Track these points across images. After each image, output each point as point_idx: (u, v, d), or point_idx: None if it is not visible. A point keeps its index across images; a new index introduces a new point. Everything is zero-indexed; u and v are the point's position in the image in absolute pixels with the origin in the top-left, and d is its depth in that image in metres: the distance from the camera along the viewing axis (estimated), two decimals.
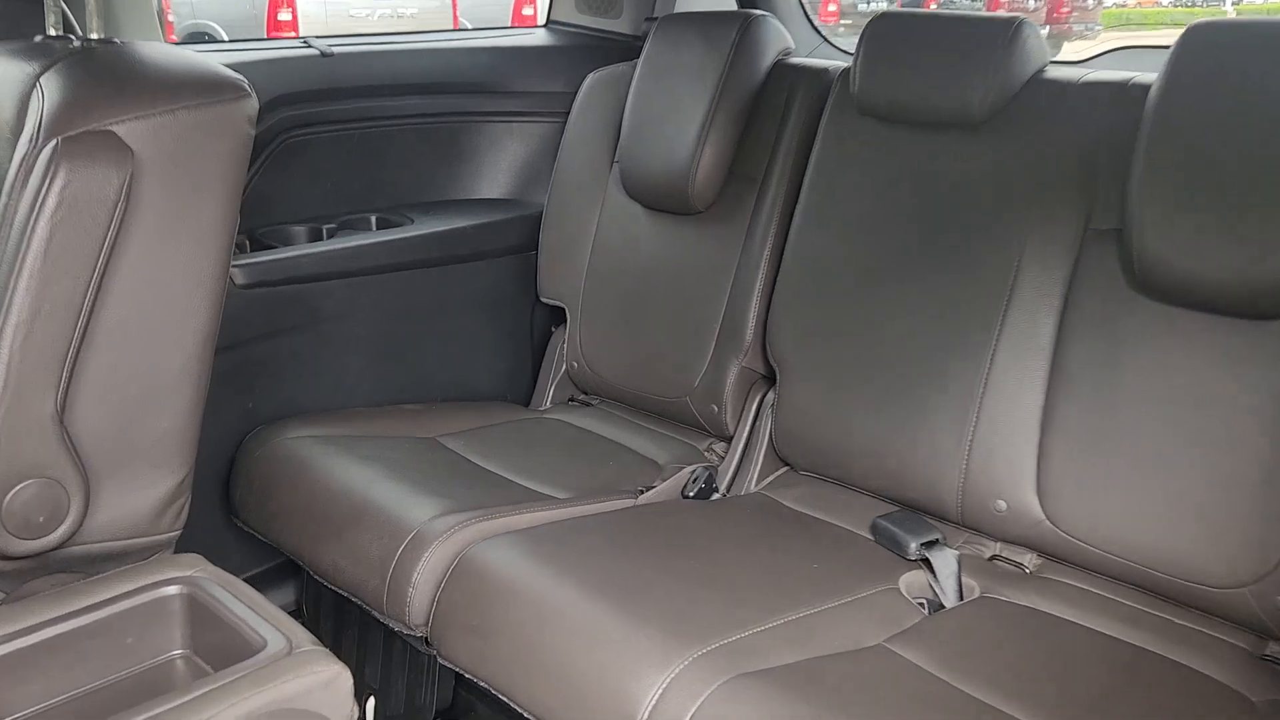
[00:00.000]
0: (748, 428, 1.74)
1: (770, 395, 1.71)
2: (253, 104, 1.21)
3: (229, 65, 1.61)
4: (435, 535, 1.38)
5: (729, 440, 1.77)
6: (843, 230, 1.60)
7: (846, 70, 1.65)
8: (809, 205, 1.65)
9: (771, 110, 1.76)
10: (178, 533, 1.32)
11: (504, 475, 1.65)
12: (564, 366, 2.02)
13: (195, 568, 1.21)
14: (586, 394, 2.02)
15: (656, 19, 1.96)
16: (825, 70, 1.73)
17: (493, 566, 1.32)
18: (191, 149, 1.14)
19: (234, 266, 1.67)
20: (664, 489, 1.63)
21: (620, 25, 2.15)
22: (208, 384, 1.28)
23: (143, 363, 1.20)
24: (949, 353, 1.47)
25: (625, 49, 2.12)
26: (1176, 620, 1.30)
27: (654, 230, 1.87)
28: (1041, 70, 1.49)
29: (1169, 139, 1.28)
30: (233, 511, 1.68)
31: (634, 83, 1.87)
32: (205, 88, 1.17)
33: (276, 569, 1.77)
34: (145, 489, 1.25)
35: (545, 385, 2.04)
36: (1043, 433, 1.39)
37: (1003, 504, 1.42)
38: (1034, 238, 1.42)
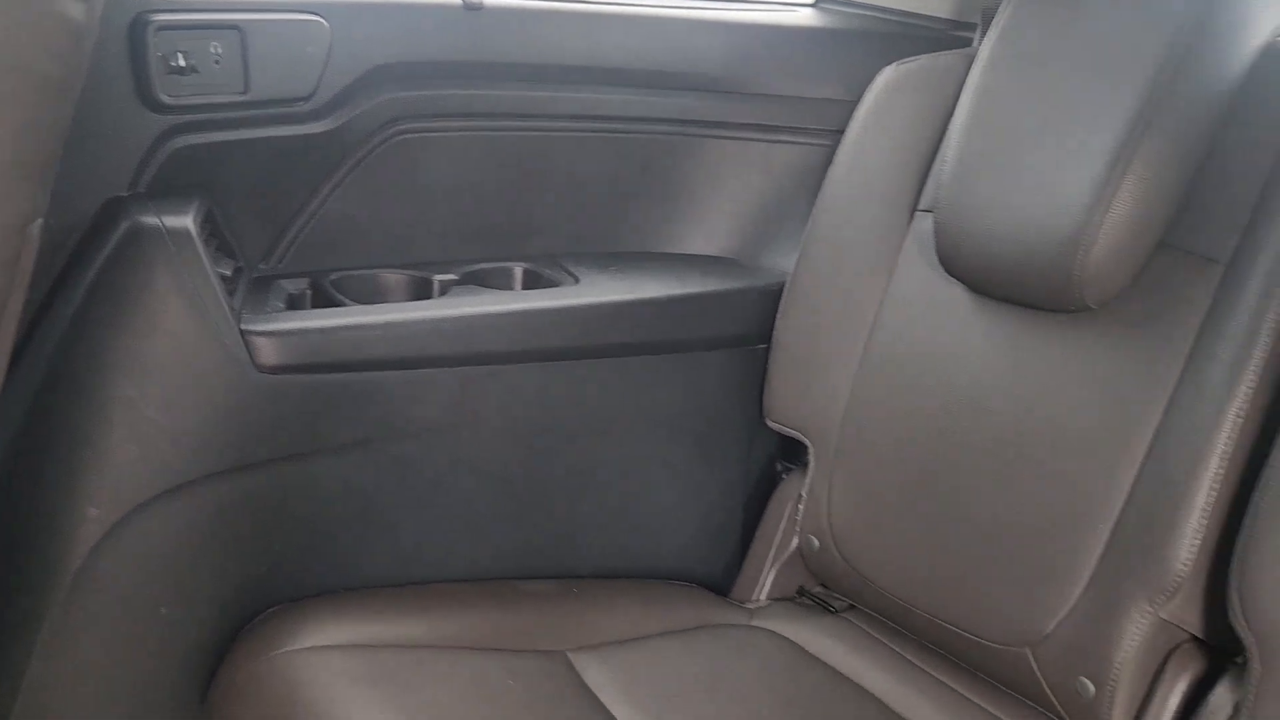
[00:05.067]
0: None
1: (1221, 688, 0.86)
2: None
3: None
4: None
5: None
6: None
7: None
8: None
9: (1257, 133, 0.92)
10: None
11: None
12: (795, 540, 1.22)
13: None
14: (828, 588, 1.22)
15: None
16: None
17: None
18: None
19: (258, 334, 0.98)
20: None
21: (937, 4, 1.36)
22: None
23: None
24: None
25: (937, 41, 1.34)
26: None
27: (989, 333, 1.05)
28: None
29: None
30: None
31: (973, 78, 1.08)
32: None
33: None
34: None
35: (761, 565, 1.24)
36: None
37: None
38: None
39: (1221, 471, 0.86)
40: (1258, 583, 0.81)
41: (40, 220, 0.45)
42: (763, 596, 1.24)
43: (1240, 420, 0.86)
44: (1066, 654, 0.93)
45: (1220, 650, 0.89)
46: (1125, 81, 0.94)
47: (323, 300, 1.12)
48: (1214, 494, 0.86)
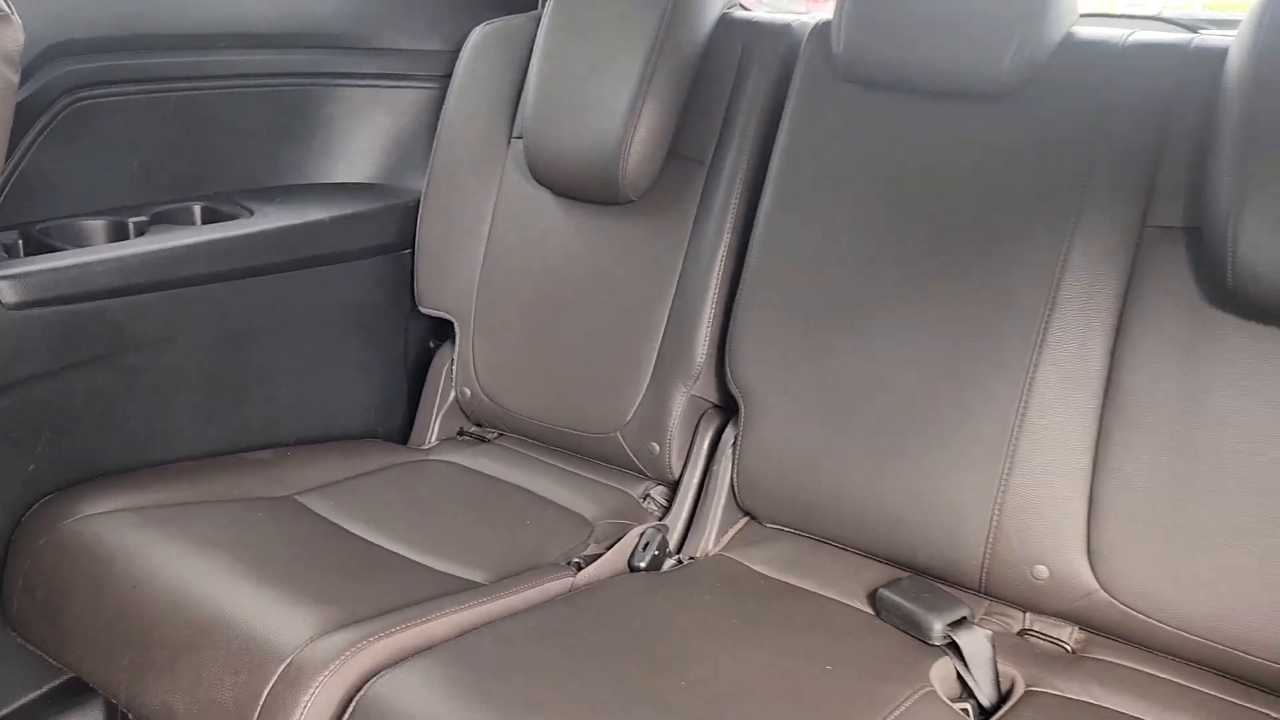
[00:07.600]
0: (699, 471, 1.40)
1: (728, 431, 1.38)
2: (13, 34, 0.76)
3: None
4: (319, 666, 0.97)
5: (672, 485, 1.43)
6: (828, 226, 1.27)
7: (821, 26, 1.32)
8: (780, 193, 1.31)
9: (719, 76, 1.41)
10: None
11: (395, 550, 1.25)
12: (452, 393, 1.62)
13: None
14: (481, 426, 1.63)
15: None
16: (788, 27, 1.39)
17: (410, 713, 0.93)
18: None
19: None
20: (608, 560, 1.27)
21: None
22: None
23: None
24: (970, 379, 1.17)
25: (512, 5, 1.73)
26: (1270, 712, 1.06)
27: (569, 224, 1.49)
28: (1074, 28, 1.21)
29: (1272, 115, 1.02)
30: (10, 623, 1.21)
31: (539, 38, 1.49)
32: None
33: (76, 686, 1.31)
34: None
35: (429, 417, 1.64)
36: (1094, 481, 1.12)
37: (1044, 570, 1.14)
38: (1080, 236, 1.14)
39: (716, 297, 1.36)
40: (738, 362, 1.32)
41: None
42: (433, 440, 1.63)
43: (722, 267, 1.36)
44: (641, 430, 1.42)
45: (727, 409, 1.41)
46: (638, 40, 1.39)
47: (34, 248, 1.33)
48: (713, 312, 1.36)
